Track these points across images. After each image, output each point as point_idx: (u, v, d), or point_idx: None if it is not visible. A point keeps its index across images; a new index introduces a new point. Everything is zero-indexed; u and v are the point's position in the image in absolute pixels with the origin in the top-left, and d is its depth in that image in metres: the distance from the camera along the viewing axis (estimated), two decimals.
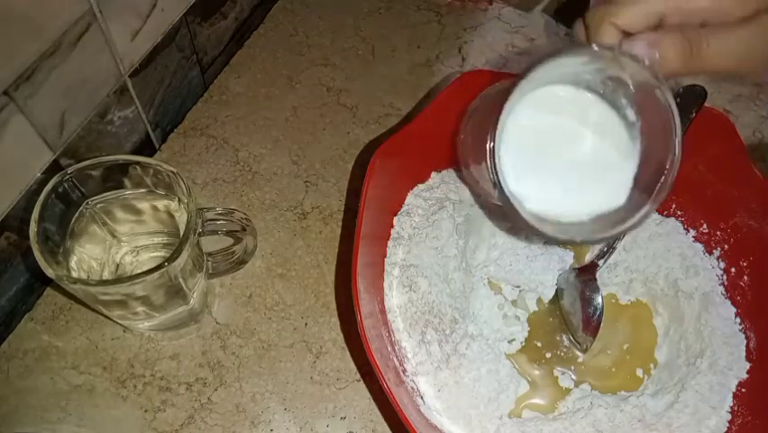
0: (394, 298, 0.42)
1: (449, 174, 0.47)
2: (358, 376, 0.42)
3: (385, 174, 0.40)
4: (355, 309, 0.35)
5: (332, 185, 0.51)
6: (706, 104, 0.44)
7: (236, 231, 0.39)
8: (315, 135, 0.53)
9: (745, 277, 0.43)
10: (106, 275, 0.39)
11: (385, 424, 0.41)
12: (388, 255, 0.43)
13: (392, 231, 0.44)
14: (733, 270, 0.44)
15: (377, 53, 0.60)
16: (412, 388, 0.39)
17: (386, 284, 0.42)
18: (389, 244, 0.43)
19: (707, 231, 0.46)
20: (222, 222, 0.38)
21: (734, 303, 0.44)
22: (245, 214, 0.39)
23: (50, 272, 0.32)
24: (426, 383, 0.39)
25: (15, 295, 0.41)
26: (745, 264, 0.44)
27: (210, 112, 0.53)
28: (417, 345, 0.40)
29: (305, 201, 0.50)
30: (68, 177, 0.35)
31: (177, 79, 0.50)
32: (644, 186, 0.31)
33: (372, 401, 0.41)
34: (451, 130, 0.45)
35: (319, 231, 0.48)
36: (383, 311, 0.41)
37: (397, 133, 0.40)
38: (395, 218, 0.44)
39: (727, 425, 0.39)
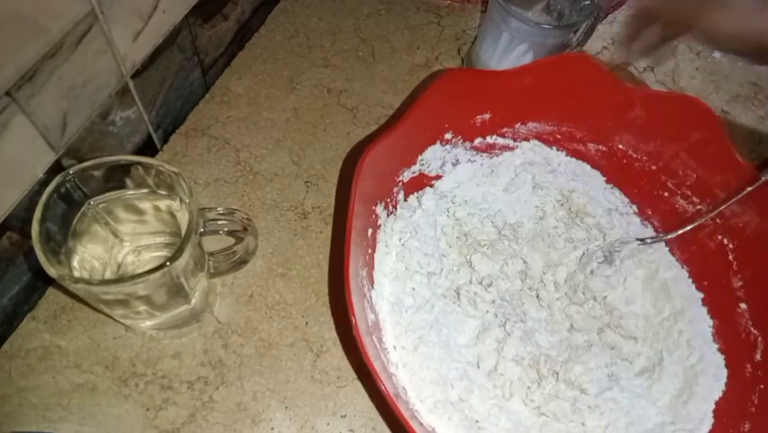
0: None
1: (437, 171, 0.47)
2: (358, 375, 0.42)
3: (373, 176, 0.40)
4: (349, 311, 0.35)
5: (332, 185, 0.51)
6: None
7: (237, 231, 0.39)
8: (315, 136, 0.54)
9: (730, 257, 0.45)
10: (108, 275, 0.39)
11: (384, 423, 0.41)
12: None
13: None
14: None
15: (377, 54, 0.60)
16: (408, 387, 0.39)
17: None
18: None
19: None
20: (223, 222, 0.38)
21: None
22: (246, 214, 0.39)
23: (52, 272, 0.32)
24: (422, 382, 0.40)
25: (18, 294, 0.41)
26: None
27: (211, 113, 0.54)
28: (414, 345, 0.41)
29: (305, 201, 0.50)
30: (70, 177, 0.35)
31: (178, 80, 0.50)
32: None
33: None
34: (436, 128, 0.45)
35: (320, 231, 0.48)
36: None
37: (384, 133, 0.40)
38: (384, 217, 0.44)
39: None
